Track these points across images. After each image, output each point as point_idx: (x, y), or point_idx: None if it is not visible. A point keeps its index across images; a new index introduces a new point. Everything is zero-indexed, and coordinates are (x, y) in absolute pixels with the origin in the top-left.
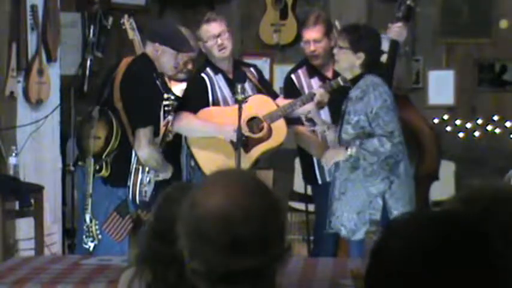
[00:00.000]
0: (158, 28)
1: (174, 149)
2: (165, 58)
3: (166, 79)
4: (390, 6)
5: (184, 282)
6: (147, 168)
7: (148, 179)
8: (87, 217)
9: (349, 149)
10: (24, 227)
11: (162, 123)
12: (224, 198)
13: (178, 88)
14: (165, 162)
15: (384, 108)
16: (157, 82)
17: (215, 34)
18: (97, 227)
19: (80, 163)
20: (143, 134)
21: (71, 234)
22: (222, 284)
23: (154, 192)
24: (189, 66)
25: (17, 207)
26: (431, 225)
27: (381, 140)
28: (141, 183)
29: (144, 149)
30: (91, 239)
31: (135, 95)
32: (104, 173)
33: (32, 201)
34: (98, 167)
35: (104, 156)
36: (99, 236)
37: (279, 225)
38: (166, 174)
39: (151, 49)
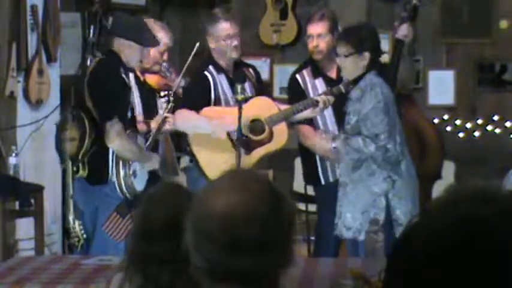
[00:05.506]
0: (123, 23)
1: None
2: (130, 52)
3: (139, 73)
4: (390, 6)
5: (178, 281)
6: (128, 161)
7: (132, 170)
8: (71, 218)
9: (334, 142)
10: (24, 227)
11: (157, 118)
12: (229, 198)
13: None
14: (145, 152)
15: (375, 109)
16: (123, 75)
17: (232, 34)
18: (81, 227)
19: (62, 166)
20: (110, 127)
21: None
22: (221, 283)
23: (147, 183)
24: (165, 57)
25: (17, 207)
26: (446, 229)
27: (365, 140)
28: (125, 176)
29: (114, 141)
30: (76, 239)
31: (99, 91)
32: (82, 173)
33: (32, 201)
34: (75, 168)
35: (80, 157)
36: (84, 236)
37: (283, 230)
38: (151, 164)
39: (117, 43)
